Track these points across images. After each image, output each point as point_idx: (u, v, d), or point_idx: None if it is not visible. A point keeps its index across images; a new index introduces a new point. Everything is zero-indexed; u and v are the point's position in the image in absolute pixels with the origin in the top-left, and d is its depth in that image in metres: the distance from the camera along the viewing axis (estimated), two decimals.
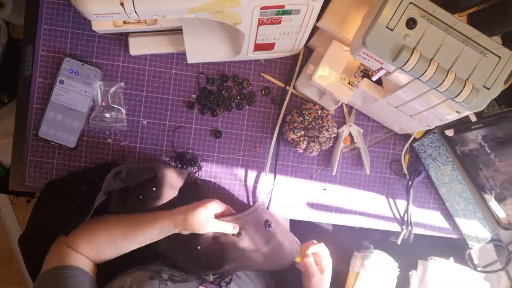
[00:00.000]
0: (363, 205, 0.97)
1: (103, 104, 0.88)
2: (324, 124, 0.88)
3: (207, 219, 0.76)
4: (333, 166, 0.93)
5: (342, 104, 0.94)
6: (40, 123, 0.88)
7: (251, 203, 0.94)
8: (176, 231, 0.76)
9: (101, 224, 0.78)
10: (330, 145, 0.91)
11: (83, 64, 0.87)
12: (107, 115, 0.88)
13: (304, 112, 0.89)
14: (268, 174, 0.94)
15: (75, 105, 0.88)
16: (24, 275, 1.73)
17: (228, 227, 0.79)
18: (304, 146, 0.90)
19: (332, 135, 0.90)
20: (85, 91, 0.87)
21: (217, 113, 0.92)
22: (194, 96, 0.92)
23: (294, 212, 0.96)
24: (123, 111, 0.90)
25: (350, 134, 0.95)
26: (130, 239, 0.76)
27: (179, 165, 0.91)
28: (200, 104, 0.91)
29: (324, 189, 0.96)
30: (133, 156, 0.91)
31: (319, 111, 0.89)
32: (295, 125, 0.89)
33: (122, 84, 0.89)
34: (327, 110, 0.91)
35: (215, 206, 0.79)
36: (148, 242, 0.77)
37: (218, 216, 0.81)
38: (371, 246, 1.01)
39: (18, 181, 0.90)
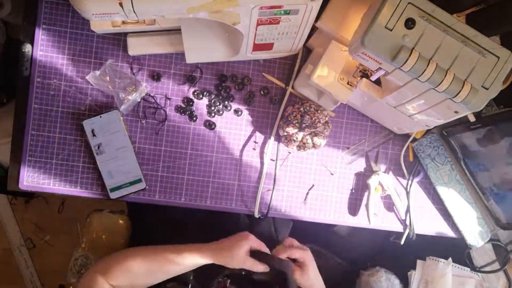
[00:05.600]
0: (362, 205, 0.97)
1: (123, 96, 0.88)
2: (314, 118, 0.88)
3: (245, 260, 0.80)
4: (369, 218, 0.94)
5: (366, 153, 0.94)
6: (105, 184, 0.89)
7: (250, 205, 0.95)
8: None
9: (139, 256, 0.81)
10: (330, 127, 0.91)
11: (100, 117, 0.88)
12: (130, 97, 0.88)
13: (289, 119, 0.89)
14: (268, 174, 0.94)
15: (119, 147, 0.89)
16: (23, 275, 1.73)
17: (260, 268, 0.82)
18: (310, 145, 0.90)
19: (326, 118, 0.89)
20: (117, 131, 0.88)
21: (215, 114, 0.92)
22: (192, 96, 0.92)
23: (294, 213, 0.96)
24: (135, 78, 0.89)
25: (380, 182, 0.94)
26: (169, 271, 0.81)
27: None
28: (187, 109, 0.91)
29: (332, 174, 0.96)
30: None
31: (301, 108, 0.89)
32: (291, 134, 0.89)
33: (109, 61, 0.88)
34: (307, 103, 0.90)
35: (252, 244, 0.82)
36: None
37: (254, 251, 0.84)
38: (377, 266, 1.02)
39: (17, 182, 0.90)
